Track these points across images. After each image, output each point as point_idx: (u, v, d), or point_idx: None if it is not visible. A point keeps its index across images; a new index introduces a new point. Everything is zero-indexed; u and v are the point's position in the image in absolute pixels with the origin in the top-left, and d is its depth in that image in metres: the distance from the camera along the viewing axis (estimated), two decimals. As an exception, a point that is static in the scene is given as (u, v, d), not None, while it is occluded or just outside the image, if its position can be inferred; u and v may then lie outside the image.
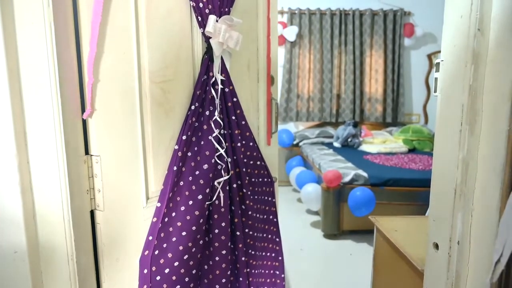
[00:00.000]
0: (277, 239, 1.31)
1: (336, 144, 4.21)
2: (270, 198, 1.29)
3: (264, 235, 1.28)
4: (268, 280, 1.28)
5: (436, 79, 0.90)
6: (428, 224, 0.94)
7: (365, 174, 2.88)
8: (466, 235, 0.81)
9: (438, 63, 0.89)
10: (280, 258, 1.31)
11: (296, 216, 3.47)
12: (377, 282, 1.50)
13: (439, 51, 0.89)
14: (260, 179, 1.25)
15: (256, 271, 1.24)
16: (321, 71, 4.61)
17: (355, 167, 3.10)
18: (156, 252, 0.92)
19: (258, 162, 1.22)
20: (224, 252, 1.08)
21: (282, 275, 1.30)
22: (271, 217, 1.30)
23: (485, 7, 0.74)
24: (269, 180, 1.28)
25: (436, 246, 0.90)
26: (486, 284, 0.76)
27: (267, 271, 1.29)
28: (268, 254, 1.30)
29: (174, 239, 0.95)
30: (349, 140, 4.14)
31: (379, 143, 4.14)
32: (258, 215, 1.23)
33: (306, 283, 2.27)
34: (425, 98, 4.83)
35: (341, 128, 4.25)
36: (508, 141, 0.72)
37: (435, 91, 0.90)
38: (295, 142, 4.49)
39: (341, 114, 4.67)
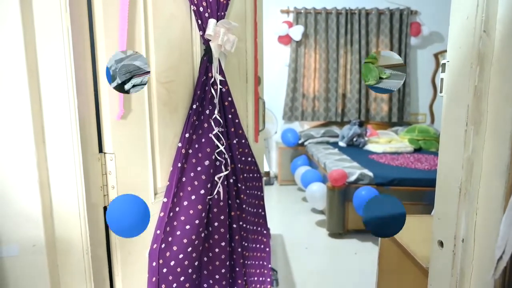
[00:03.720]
0: (265, 231, 1.39)
1: (342, 144, 4.21)
2: (259, 193, 1.37)
3: (255, 227, 1.35)
4: (258, 271, 1.36)
5: (442, 79, 0.91)
6: (433, 222, 0.95)
7: (370, 174, 2.88)
8: (470, 233, 0.82)
9: (444, 63, 0.90)
10: (267, 249, 1.38)
11: (301, 215, 3.48)
12: (382, 280, 1.51)
13: (446, 51, 0.90)
14: (251, 174, 1.32)
15: (248, 262, 1.30)
16: (327, 71, 4.61)
17: (360, 166, 3.11)
18: (163, 245, 0.96)
19: (249, 159, 1.29)
20: (223, 244, 1.13)
21: (269, 265, 1.38)
22: (260, 210, 1.37)
23: (491, 8, 0.75)
24: (259, 175, 1.36)
25: (441, 244, 0.91)
26: (489, 281, 0.77)
27: (257, 262, 1.36)
28: (258, 245, 1.37)
29: (178, 232, 0.99)
30: (354, 139, 4.14)
31: (385, 142, 4.14)
32: (250, 209, 1.30)
33: (311, 282, 2.29)
34: (431, 97, 4.80)
35: (347, 127, 4.25)
36: (513, 141, 0.73)
37: (441, 92, 0.91)
38: (300, 142, 4.50)
39: (346, 114, 4.67)
